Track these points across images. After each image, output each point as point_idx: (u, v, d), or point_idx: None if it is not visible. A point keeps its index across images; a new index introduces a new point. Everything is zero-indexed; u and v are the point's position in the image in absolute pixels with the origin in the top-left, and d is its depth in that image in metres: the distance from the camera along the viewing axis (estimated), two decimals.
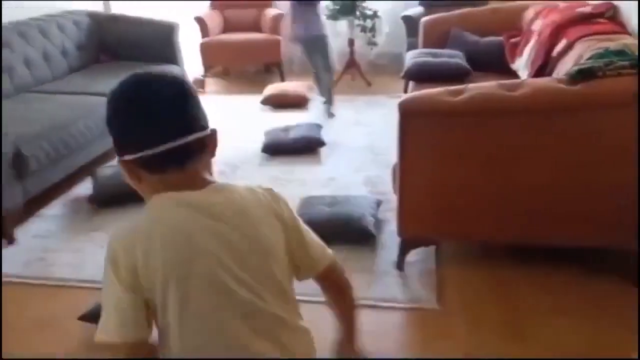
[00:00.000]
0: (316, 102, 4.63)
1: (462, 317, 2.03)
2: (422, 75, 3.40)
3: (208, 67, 5.40)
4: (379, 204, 2.75)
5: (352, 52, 5.25)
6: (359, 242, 2.48)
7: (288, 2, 4.65)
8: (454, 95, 2.05)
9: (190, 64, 4.86)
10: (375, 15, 5.18)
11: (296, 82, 5.01)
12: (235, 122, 4.24)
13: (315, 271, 1.14)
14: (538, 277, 2.21)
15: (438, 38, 3.90)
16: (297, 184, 3.14)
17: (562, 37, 2.83)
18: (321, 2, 4.43)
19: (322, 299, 1.27)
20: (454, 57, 3.49)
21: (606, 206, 2.04)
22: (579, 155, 2.01)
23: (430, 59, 3.51)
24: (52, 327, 2.06)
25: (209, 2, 5.66)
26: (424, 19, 4.13)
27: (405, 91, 4.18)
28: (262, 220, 1.03)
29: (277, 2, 5.54)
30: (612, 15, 2.94)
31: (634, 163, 1.94)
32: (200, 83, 5.12)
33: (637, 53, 2.06)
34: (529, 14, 3.52)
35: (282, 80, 5.27)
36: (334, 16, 5.07)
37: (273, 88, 4.76)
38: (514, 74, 3.25)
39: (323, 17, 4.46)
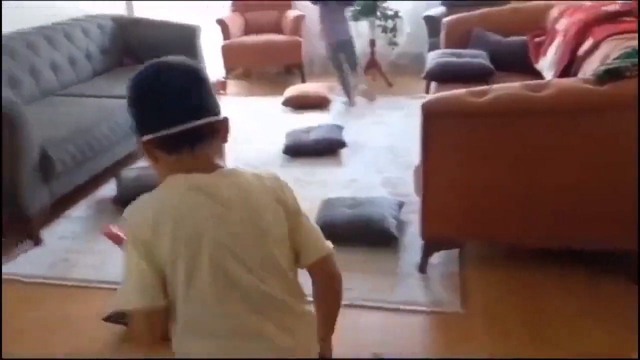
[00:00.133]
0: (337, 103, 4.63)
1: (486, 320, 2.01)
2: (444, 75, 3.37)
3: (229, 69, 5.43)
4: (400, 205, 2.73)
5: (373, 53, 5.24)
6: (381, 244, 2.47)
7: (309, 4, 4.72)
8: (478, 96, 2.03)
9: (212, 66, 4.89)
10: (396, 15, 5.16)
11: (317, 83, 5.02)
12: (256, 123, 4.26)
13: (311, 259, 1.16)
14: (563, 280, 2.17)
15: (460, 38, 3.86)
16: (318, 185, 3.14)
17: (588, 36, 2.78)
18: (348, 4, 4.55)
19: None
20: (477, 57, 3.45)
21: (633, 208, 1.99)
22: (606, 156, 1.98)
23: (452, 59, 3.48)
24: (77, 328, 2.09)
25: (231, 4, 5.70)
26: (446, 18, 4.10)
27: (427, 92, 4.15)
28: (267, 205, 1.08)
29: (297, 2, 5.55)
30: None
31: None
32: (222, 85, 5.15)
33: None
34: (553, 12, 3.46)
35: (303, 81, 5.28)
36: (355, 17, 5.06)
37: (294, 89, 4.77)
38: (538, 74, 3.21)
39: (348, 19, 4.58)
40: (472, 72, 3.29)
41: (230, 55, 5.31)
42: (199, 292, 1.03)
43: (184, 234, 1.02)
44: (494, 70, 3.31)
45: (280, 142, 3.70)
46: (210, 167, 1.07)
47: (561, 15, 3.32)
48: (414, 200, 2.54)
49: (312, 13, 5.20)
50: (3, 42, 3.35)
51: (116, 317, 2.02)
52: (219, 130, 1.08)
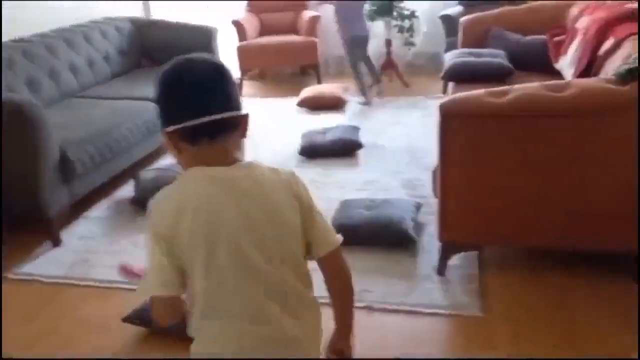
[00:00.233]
0: (353, 104, 4.62)
1: (508, 324, 1.98)
2: (462, 75, 3.34)
3: (245, 70, 5.44)
4: (418, 207, 2.71)
5: (389, 53, 5.21)
6: (399, 246, 2.45)
7: (324, 4, 4.75)
8: (497, 96, 2.00)
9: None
10: (413, 15, 5.13)
11: (333, 84, 5.01)
12: (272, 124, 4.27)
13: (322, 252, 1.20)
14: (588, 284, 2.14)
15: (477, 37, 3.83)
16: (335, 187, 3.13)
17: (609, 35, 2.73)
18: (365, 2, 4.61)
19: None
20: (496, 56, 3.41)
21: None
22: (628, 156, 1.93)
23: (471, 58, 3.44)
24: (96, 328, 2.10)
25: (246, 5, 5.71)
26: (464, 18, 4.06)
27: (444, 92, 4.12)
28: (282, 197, 1.13)
29: (312, 2, 5.55)
30: None
31: None
32: (237, 86, 5.16)
33: None
34: (573, 11, 3.42)
35: (319, 82, 5.27)
36: (371, 17, 5.04)
37: (309, 90, 4.76)
38: (557, 74, 3.16)
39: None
40: (491, 72, 3.25)
41: (246, 56, 5.33)
42: (217, 277, 1.08)
43: (203, 222, 1.07)
44: (514, 70, 3.27)
45: (296, 143, 3.70)
46: (230, 160, 1.12)
47: (581, 13, 3.27)
48: (432, 202, 2.52)
49: (327, 14, 5.20)
50: (23, 45, 3.39)
51: (135, 318, 2.03)
52: (239, 124, 1.13)
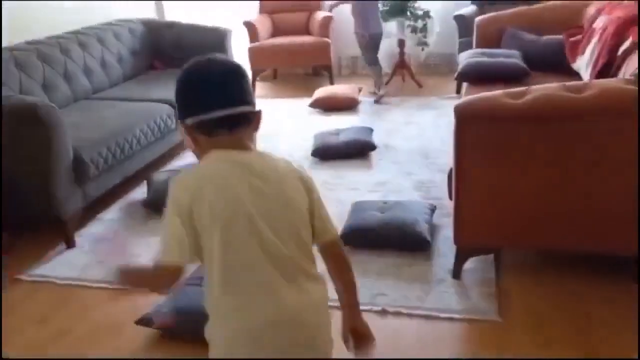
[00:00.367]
0: (365, 105, 4.60)
1: (527, 330, 1.94)
2: (477, 76, 3.30)
3: (257, 70, 5.43)
4: (433, 209, 2.68)
5: (402, 53, 5.18)
6: (413, 249, 2.43)
7: (340, 4, 4.79)
8: (514, 97, 1.97)
9: None
10: (426, 15, 5.09)
11: (345, 84, 4.99)
12: (284, 125, 4.26)
13: (323, 238, 1.28)
14: (606, 288, 2.10)
15: (492, 38, 3.79)
16: (348, 188, 3.11)
17: (627, 36, 2.69)
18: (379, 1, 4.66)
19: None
20: (511, 56, 3.37)
21: None
22: None
23: (485, 59, 3.41)
24: (110, 330, 2.10)
25: (259, 5, 5.71)
26: (478, 18, 4.03)
27: (458, 92, 4.09)
28: (293, 183, 1.22)
29: (324, 2, 5.53)
30: None
31: None
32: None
33: None
34: (590, 10, 3.37)
35: (331, 83, 5.25)
36: (384, 17, 5.01)
37: (322, 91, 4.75)
38: (574, 74, 3.12)
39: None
40: (507, 72, 3.22)
41: (258, 57, 5.31)
42: (235, 249, 1.14)
43: (222, 196, 1.14)
44: (529, 70, 3.23)
45: (309, 144, 3.69)
46: (245, 148, 1.21)
47: (598, 13, 3.22)
48: (446, 204, 2.50)
49: (340, 15, 5.18)
50: (38, 47, 3.41)
51: (148, 321, 2.03)
52: (253, 119, 1.22)
